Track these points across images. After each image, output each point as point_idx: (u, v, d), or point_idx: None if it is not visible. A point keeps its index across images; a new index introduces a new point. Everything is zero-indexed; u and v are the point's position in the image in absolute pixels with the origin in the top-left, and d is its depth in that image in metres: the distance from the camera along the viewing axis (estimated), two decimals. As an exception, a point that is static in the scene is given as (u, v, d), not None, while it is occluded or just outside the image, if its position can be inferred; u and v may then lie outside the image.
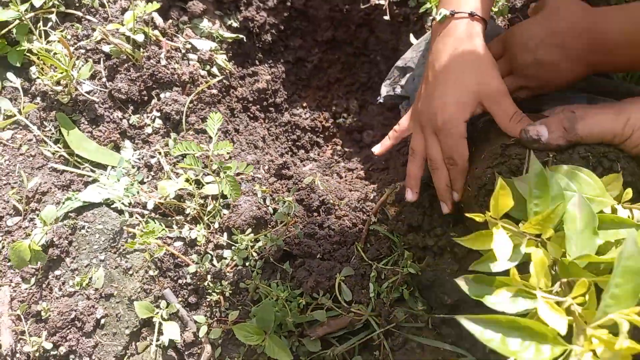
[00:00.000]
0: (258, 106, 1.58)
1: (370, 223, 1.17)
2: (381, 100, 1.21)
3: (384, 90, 1.22)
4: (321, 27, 1.64)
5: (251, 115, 1.54)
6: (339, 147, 1.72)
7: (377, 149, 1.08)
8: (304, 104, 1.74)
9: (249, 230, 1.15)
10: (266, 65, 1.60)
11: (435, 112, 0.86)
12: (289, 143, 1.72)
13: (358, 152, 1.70)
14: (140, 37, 1.31)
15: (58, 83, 1.25)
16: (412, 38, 1.39)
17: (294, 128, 1.72)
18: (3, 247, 1.18)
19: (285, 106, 1.69)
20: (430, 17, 1.39)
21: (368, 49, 1.66)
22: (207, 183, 1.18)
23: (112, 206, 1.19)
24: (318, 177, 1.27)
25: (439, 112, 0.85)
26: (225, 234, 1.17)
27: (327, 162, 1.70)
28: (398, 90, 1.19)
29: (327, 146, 1.74)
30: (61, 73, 1.22)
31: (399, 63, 1.22)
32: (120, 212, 1.19)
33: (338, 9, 1.59)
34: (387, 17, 1.46)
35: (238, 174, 1.25)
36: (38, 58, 1.27)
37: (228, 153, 1.26)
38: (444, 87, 0.85)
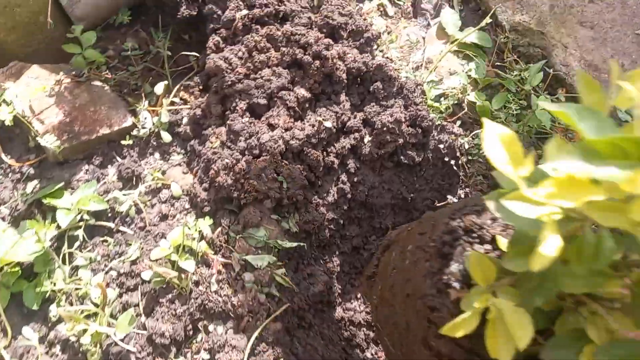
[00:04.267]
0: (312, 311, 1.34)
1: None
2: None
3: None
4: (379, 215, 1.45)
5: (306, 325, 1.29)
6: (401, 348, 1.47)
7: None
8: (358, 295, 1.51)
9: None
10: (321, 261, 1.38)
11: None
12: (343, 343, 1.46)
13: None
14: (191, 265, 1.08)
15: (85, 332, 0.99)
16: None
17: (348, 324, 1.47)
18: None
19: (339, 300, 1.45)
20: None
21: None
22: None
23: None
24: None
25: None
26: None
27: (390, 368, 1.44)
28: None
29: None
30: (91, 323, 0.96)
31: None
32: None
33: (401, 197, 1.42)
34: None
35: None
36: (60, 297, 1.02)
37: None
38: None
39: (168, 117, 1.30)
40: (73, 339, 1.01)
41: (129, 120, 1.27)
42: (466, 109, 1.38)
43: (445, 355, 0.78)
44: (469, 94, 1.40)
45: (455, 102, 1.40)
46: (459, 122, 1.39)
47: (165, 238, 1.15)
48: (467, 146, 1.33)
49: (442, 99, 1.41)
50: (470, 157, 1.35)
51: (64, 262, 1.08)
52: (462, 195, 1.33)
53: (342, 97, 1.35)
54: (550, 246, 0.51)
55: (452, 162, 1.34)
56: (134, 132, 1.27)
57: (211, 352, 1.06)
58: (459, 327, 0.66)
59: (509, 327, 0.61)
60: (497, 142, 0.61)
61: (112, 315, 1.04)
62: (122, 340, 1.02)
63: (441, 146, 1.34)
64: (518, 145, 0.60)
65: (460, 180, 1.35)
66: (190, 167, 1.30)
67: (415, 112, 1.33)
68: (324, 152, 1.31)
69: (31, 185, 1.18)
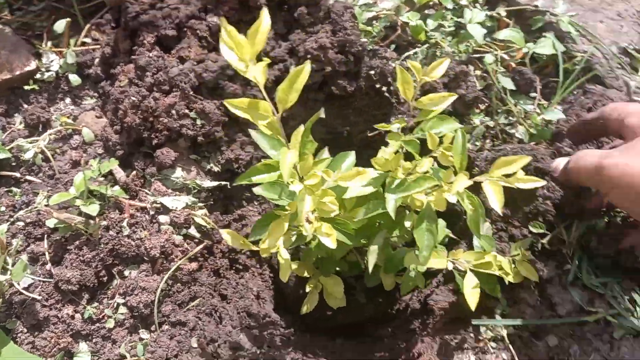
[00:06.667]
0: (247, 252, 1.29)
1: None
2: None
3: None
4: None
5: (240, 267, 1.25)
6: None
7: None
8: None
9: None
10: (255, 202, 1.32)
11: None
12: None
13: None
14: (94, 209, 1.02)
15: (-15, 283, 0.94)
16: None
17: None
18: None
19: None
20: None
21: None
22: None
23: None
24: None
25: None
26: None
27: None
28: None
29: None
30: (-13, 274, 0.91)
31: None
32: None
33: (336, 132, 1.34)
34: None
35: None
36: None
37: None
38: None
39: (74, 58, 1.21)
40: (-25, 291, 0.97)
41: (33, 64, 1.19)
42: (399, 30, 1.28)
43: None
44: (402, 15, 1.29)
45: (389, 24, 1.29)
46: (393, 47, 1.29)
47: (73, 186, 1.09)
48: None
49: (374, 22, 1.31)
50: (403, 82, 1.26)
51: (-37, 215, 1.03)
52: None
53: (262, 25, 1.25)
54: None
55: (384, 88, 1.25)
56: (38, 76, 1.19)
57: (125, 296, 1.02)
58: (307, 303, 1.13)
59: (329, 289, 1.12)
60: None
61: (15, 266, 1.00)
62: (26, 289, 0.98)
63: (372, 72, 1.25)
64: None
65: (394, 108, 1.27)
66: (104, 110, 1.22)
67: (344, 38, 1.23)
68: (246, 85, 1.22)
69: None
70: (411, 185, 0.83)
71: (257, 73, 0.79)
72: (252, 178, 0.81)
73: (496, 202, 0.73)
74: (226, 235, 0.91)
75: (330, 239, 0.82)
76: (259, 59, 0.79)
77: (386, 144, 1.30)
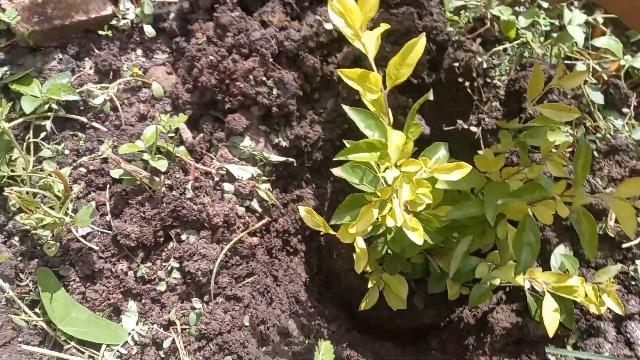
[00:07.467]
0: (299, 236, 1.25)
1: None
2: None
3: None
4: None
5: (290, 249, 1.20)
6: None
7: None
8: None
9: None
10: (313, 185, 1.27)
11: None
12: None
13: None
14: (163, 165, 0.98)
15: (44, 226, 0.91)
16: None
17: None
18: None
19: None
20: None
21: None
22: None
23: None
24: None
25: None
26: None
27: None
28: None
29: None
30: (49, 217, 0.88)
31: None
32: None
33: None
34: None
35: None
36: (20, 185, 0.94)
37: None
38: None
39: (152, 9, 1.16)
40: (33, 233, 0.93)
41: (109, 9, 1.14)
42: (488, 24, 1.22)
43: None
44: (493, 8, 1.23)
45: (477, 15, 1.23)
46: (479, 40, 1.22)
47: (141, 139, 1.05)
48: (485, 66, 1.18)
49: (462, 11, 1.24)
50: (487, 80, 1.20)
51: (27, 152, 0.99)
52: (474, 122, 1.19)
53: (349, -1, 1.19)
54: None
55: (467, 83, 1.19)
56: (113, 22, 1.15)
57: (181, 261, 0.98)
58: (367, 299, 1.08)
59: (393, 288, 1.07)
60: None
61: (75, 211, 0.96)
62: (84, 237, 0.94)
63: (456, 65, 1.19)
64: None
65: (474, 106, 1.21)
66: (175, 67, 1.18)
67: (431, 24, 1.17)
68: (324, 61, 1.17)
69: (0, 72, 1.07)
70: (523, 192, 0.77)
71: (370, 41, 0.74)
72: (352, 155, 0.76)
73: (628, 226, 0.66)
74: (304, 212, 0.86)
75: (416, 233, 0.76)
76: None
77: (460, 140, 1.24)
